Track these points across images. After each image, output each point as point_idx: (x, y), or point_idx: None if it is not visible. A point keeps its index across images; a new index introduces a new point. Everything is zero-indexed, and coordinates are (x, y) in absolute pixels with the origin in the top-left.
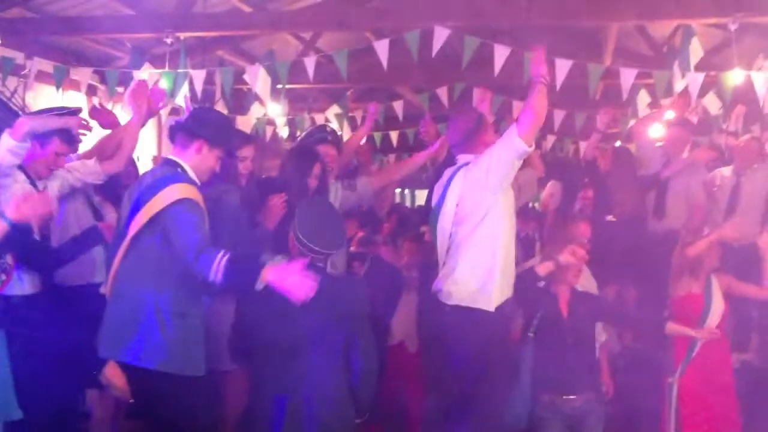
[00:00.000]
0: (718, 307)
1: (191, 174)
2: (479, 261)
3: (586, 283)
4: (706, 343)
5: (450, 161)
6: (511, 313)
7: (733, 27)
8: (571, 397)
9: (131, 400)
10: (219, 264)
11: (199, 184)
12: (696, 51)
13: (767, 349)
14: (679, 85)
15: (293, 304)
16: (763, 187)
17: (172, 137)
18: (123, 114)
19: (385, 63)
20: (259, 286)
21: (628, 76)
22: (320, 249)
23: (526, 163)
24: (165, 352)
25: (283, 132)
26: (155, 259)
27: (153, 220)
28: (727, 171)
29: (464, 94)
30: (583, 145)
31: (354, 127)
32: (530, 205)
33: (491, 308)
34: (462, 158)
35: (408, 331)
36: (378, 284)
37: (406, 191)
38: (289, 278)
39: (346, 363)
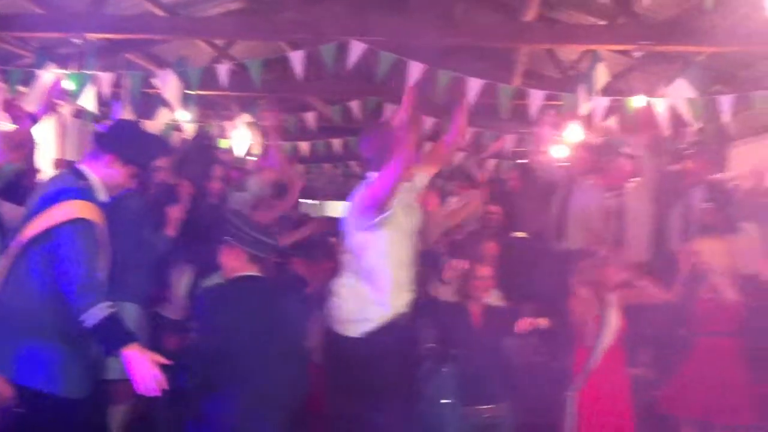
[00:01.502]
0: (613, 325)
1: (97, 187)
2: (354, 289)
3: (494, 299)
4: (603, 357)
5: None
6: (414, 330)
7: (637, 54)
8: (483, 407)
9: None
10: (97, 314)
11: (103, 199)
12: (602, 76)
13: (659, 363)
14: (584, 108)
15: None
16: (641, 204)
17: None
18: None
19: (299, 74)
20: None
21: (536, 98)
22: (275, 242)
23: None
24: (47, 372)
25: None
26: (41, 274)
27: (44, 234)
28: (613, 192)
29: (377, 109)
30: (491, 163)
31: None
32: None
33: (360, 335)
34: (371, 176)
35: (314, 344)
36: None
37: (316, 202)
38: (142, 368)
39: None
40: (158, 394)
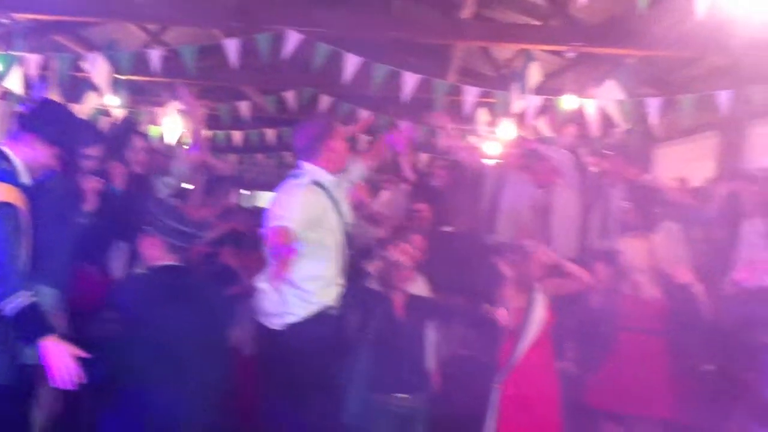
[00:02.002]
0: (538, 318)
1: (19, 169)
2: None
3: (421, 291)
4: (530, 350)
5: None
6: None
7: (569, 55)
8: (403, 396)
9: None
10: (17, 303)
11: (26, 181)
12: (534, 75)
13: (584, 358)
14: (517, 106)
15: None
16: (567, 201)
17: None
18: None
19: (233, 62)
20: None
21: (470, 94)
22: (195, 232)
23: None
24: None
25: None
26: None
27: None
28: (542, 189)
29: (312, 99)
30: (424, 158)
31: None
32: None
33: (286, 327)
34: (306, 166)
35: (242, 335)
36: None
37: (248, 193)
38: (58, 360)
39: None
40: (74, 387)
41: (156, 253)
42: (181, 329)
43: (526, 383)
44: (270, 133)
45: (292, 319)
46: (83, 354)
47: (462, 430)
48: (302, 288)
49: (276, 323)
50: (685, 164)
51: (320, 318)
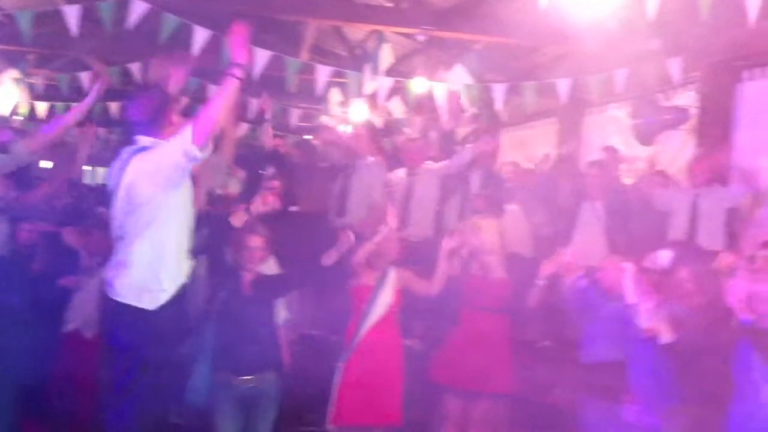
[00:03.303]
0: (386, 298)
1: None
2: (147, 259)
3: (270, 269)
4: (375, 329)
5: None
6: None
7: (420, 38)
8: (248, 377)
9: None
10: None
11: None
12: (386, 57)
13: (430, 335)
14: (369, 88)
15: None
16: (432, 187)
17: None
18: None
19: (74, 30)
20: None
21: (323, 73)
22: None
23: (217, 147)
24: None
25: None
26: None
27: None
28: (401, 172)
29: None
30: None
31: (35, 95)
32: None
33: (154, 307)
34: (142, 140)
35: (86, 317)
36: (52, 265)
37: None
38: None
39: None
40: None
41: None
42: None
43: (368, 362)
44: (114, 107)
45: (163, 296)
46: None
47: (310, 410)
48: (157, 263)
49: (145, 302)
50: (528, 148)
51: (175, 295)
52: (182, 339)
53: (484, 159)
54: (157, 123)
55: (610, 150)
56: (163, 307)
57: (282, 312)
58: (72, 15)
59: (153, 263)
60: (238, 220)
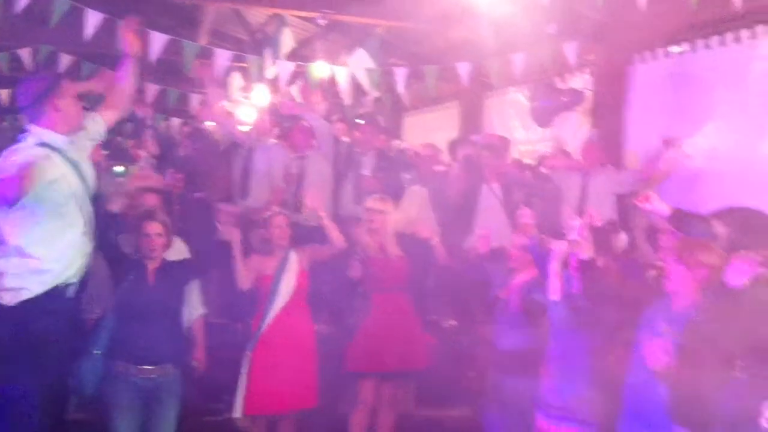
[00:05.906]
0: (289, 283)
1: None
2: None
3: (179, 255)
4: (283, 315)
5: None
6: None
7: (321, 22)
8: (147, 368)
9: None
10: None
11: None
12: (287, 41)
13: (335, 320)
14: (270, 72)
15: None
16: (321, 168)
17: None
18: None
19: None
20: None
21: (222, 58)
22: None
23: None
24: None
25: None
26: None
27: None
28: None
29: (51, 57)
30: (175, 122)
31: None
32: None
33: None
34: (32, 128)
35: None
36: None
37: None
38: None
39: None
40: None
41: None
42: None
43: (278, 349)
44: (3, 94)
45: (25, 294)
46: None
47: (215, 401)
48: (33, 256)
49: (8, 299)
50: (431, 132)
51: (56, 292)
52: (64, 335)
53: (366, 142)
54: (41, 109)
55: (492, 136)
56: (32, 305)
57: (198, 307)
58: None
59: (17, 263)
60: (115, 205)
